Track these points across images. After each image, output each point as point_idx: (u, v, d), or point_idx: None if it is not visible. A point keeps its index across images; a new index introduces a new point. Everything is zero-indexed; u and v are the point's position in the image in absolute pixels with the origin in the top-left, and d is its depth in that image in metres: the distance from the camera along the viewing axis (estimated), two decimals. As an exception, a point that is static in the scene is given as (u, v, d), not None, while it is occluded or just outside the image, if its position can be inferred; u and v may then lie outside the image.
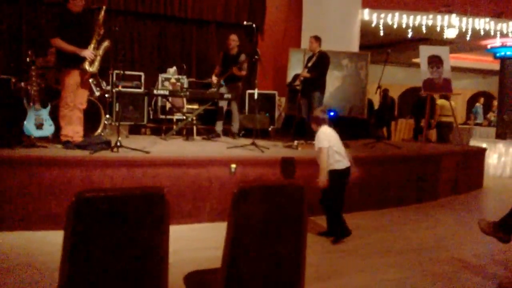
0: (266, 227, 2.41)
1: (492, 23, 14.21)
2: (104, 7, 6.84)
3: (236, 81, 9.68)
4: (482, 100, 20.72)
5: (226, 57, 9.79)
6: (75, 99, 6.71)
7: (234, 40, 9.79)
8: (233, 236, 2.33)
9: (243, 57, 9.56)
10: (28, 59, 6.92)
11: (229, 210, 2.32)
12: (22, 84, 7.33)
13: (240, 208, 2.30)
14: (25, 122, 6.44)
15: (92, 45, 6.68)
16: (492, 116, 18.85)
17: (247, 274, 2.42)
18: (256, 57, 8.56)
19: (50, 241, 5.09)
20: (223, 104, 9.72)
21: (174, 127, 9.71)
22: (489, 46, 16.38)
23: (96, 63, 6.74)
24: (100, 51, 6.77)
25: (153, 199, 2.15)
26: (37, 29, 10.62)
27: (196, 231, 5.99)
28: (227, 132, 10.19)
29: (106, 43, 6.83)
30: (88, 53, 6.59)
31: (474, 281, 4.65)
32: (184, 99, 10.05)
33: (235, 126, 9.98)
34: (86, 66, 6.60)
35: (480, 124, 18.58)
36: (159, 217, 2.15)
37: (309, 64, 9.08)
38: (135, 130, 10.55)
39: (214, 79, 9.77)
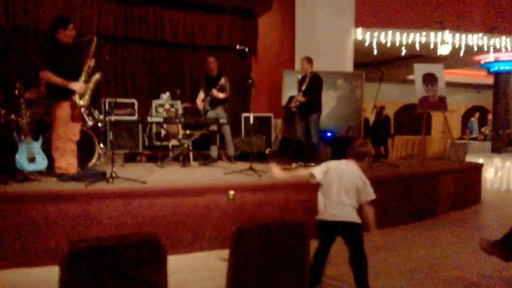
0: (267, 265, 2.33)
1: (485, 38, 14.25)
2: (95, 39, 6.76)
3: (219, 104, 9.59)
4: (477, 115, 20.75)
5: (208, 80, 9.70)
6: (68, 131, 6.61)
7: (211, 62, 9.66)
8: (234, 275, 2.25)
9: (223, 80, 9.41)
10: (17, 92, 6.82)
11: (229, 249, 2.25)
12: (13, 116, 7.22)
13: (239, 248, 2.22)
14: (17, 156, 6.35)
15: (82, 78, 6.59)
16: (486, 130, 18.86)
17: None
18: (250, 81, 8.48)
19: (47, 278, 4.97)
20: (213, 128, 9.63)
21: (170, 153, 9.61)
22: (482, 61, 16.44)
23: (87, 96, 6.64)
24: (91, 84, 6.67)
25: (149, 246, 2.03)
26: (26, 59, 10.56)
27: (197, 260, 5.87)
28: (223, 156, 10.14)
29: (97, 76, 6.73)
30: (78, 86, 6.49)
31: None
32: (179, 125, 9.97)
33: (230, 150, 9.90)
34: (76, 99, 6.51)
35: (475, 139, 18.59)
36: (156, 264, 2.04)
37: (303, 88, 9.01)
38: (130, 158, 10.47)
39: (200, 104, 9.69)
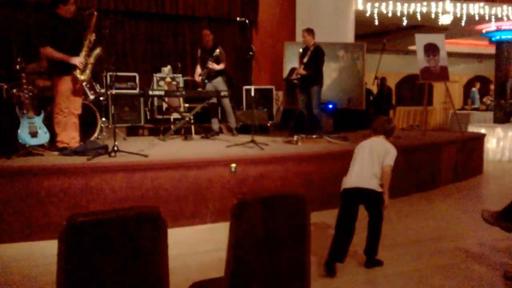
0: (267, 238, 2.34)
1: (487, 7, 14.13)
2: (96, 13, 6.73)
3: (217, 76, 9.58)
4: (478, 85, 20.62)
5: (203, 54, 9.67)
6: (69, 105, 6.63)
7: (206, 34, 9.66)
8: (235, 248, 2.27)
9: (217, 51, 9.39)
10: (18, 66, 6.82)
11: (230, 222, 2.26)
12: (14, 91, 7.21)
13: (240, 221, 2.23)
14: (19, 131, 6.36)
15: (83, 53, 6.59)
16: (488, 100, 18.77)
17: (250, 285, 2.36)
18: (250, 53, 8.43)
19: (50, 252, 5.01)
20: (213, 101, 9.64)
21: (172, 127, 9.62)
22: (484, 31, 16.31)
23: (88, 71, 6.65)
24: (92, 59, 6.67)
25: (148, 220, 2.05)
26: (26, 33, 10.52)
27: (199, 233, 5.93)
28: (224, 128, 10.15)
29: (97, 51, 6.73)
30: (78, 60, 6.49)
31: (479, 271, 4.60)
32: (181, 99, 9.96)
33: (232, 122, 9.90)
34: (78, 74, 6.51)
35: (477, 109, 18.52)
36: (156, 238, 2.06)
37: (305, 60, 8.92)
38: (132, 131, 10.47)
39: (198, 79, 9.67)
